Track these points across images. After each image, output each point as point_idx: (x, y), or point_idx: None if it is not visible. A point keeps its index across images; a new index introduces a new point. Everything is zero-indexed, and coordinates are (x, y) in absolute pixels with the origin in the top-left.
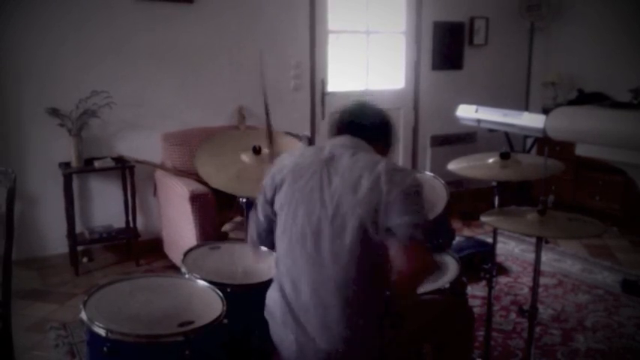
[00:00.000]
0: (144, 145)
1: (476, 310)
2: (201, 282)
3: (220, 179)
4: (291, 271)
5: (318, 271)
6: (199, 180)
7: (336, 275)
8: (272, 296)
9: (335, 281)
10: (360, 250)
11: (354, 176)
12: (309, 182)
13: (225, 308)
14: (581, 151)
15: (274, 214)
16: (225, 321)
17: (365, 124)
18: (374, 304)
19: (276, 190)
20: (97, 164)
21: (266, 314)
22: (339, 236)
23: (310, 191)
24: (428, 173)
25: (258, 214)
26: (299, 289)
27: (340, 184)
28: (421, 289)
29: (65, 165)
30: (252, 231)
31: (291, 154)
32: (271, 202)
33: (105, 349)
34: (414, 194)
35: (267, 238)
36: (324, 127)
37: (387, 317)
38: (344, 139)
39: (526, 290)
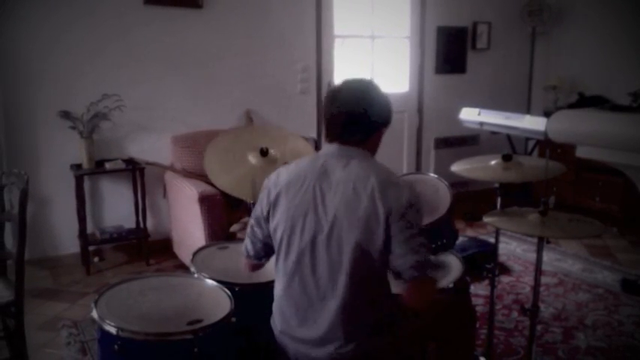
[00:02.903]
0: (154, 148)
1: (479, 308)
2: (210, 281)
3: (228, 181)
4: (288, 288)
5: (315, 288)
6: (208, 181)
7: (332, 291)
8: (274, 308)
9: (332, 297)
10: (357, 267)
11: (347, 192)
12: (303, 200)
13: (233, 307)
14: (581, 153)
15: (269, 230)
16: (234, 319)
17: (360, 119)
18: (371, 315)
19: (270, 207)
20: (107, 166)
21: (271, 322)
22: (335, 255)
23: (305, 209)
24: (432, 175)
25: (254, 228)
26: (296, 305)
27: (333, 201)
28: None
29: (77, 167)
30: (249, 245)
31: (287, 168)
32: (267, 218)
33: (115, 346)
34: (413, 220)
35: (264, 251)
36: None
37: (390, 321)
38: (335, 149)
39: (528, 289)
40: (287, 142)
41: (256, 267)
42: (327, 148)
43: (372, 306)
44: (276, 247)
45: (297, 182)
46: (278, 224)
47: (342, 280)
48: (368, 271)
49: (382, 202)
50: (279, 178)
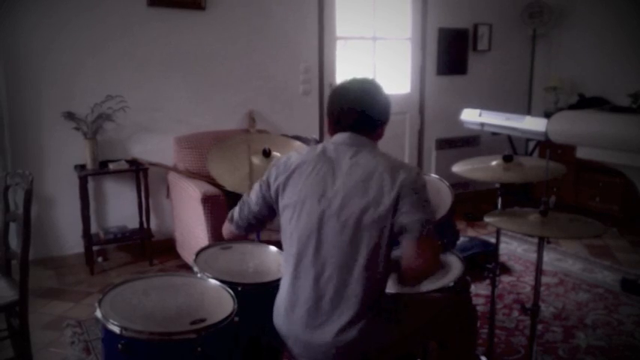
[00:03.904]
0: (157, 148)
1: (480, 308)
2: (213, 281)
3: (232, 181)
4: (294, 272)
5: (320, 269)
6: (211, 182)
7: (337, 272)
8: (279, 293)
9: (336, 277)
10: (364, 248)
11: (356, 178)
12: (312, 183)
13: (236, 306)
14: (581, 153)
15: (271, 210)
16: (237, 319)
17: (367, 115)
18: (375, 299)
19: (278, 189)
20: (111, 166)
21: (274, 310)
22: (340, 236)
23: (314, 192)
24: (433, 175)
25: (251, 200)
26: (301, 290)
27: (343, 185)
28: (426, 288)
29: (81, 167)
30: (236, 210)
31: (299, 153)
32: (270, 198)
33: (119, 345)
34: (422, 190)
35: (247, 221)
36: None
37: (391, 310)
38: (346, 137)
39: (528, 289)
40: (288, 145)
41: (231, 234)
42: (339, 136)
43: (373, 289)
44: (283, 228)
45: (308, 166)
46: (286, 206)
47: (345, 261)
48: (372, 253)
49: (392, 185)
50: (290, 160)
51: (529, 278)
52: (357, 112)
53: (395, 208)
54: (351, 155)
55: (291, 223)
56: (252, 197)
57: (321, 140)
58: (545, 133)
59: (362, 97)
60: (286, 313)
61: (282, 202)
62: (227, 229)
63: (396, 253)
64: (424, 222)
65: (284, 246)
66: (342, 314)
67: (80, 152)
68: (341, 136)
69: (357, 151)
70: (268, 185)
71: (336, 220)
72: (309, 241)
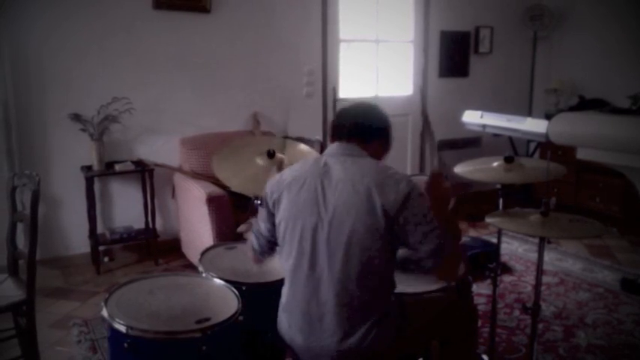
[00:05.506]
0: (162, 150)
1: (481, 307)
2: (218, 280)
3: (237, 182)
4: (292, 284)
5: (317, 281)
6: (216, 183)
7: (331, 284)
8: (282, 301)
9: (331, 290)
10: (355, 260)
11: (347, 189)
12: (305, 197)
13: (240, 306)
14: (582, 154)
15: (274, 226)
16: (241, 318)
17: (362, 124)
18: (371, 309)
19: (274, 204)
20: (117, 167)
21: (279, 315)
22: (334, 248)
23: (306, 206)
24: None
25: (261, 228)
26: (300, 299)
27: (334, 197)
28: (428, 288)
29: (87, 168)
30: (253, 239)
31: (291, 168)
32: (270, 215)
33: (125, 344)
34: (418, 206)
35: (267, 247)
36: None
37: (392, 316)
38: (336, 147)
39: (529, 288)
40: (292, 146)
41: (259, 261)
42: (330, 147)
43: (371, 299)
44: (280, 243)
45: (300, 181)
46: (281, 221)
47: (340, 273)
48: (367, 265)
49: (380, 197)
50: (283, 177)
51: (530, 278)
52: (351, 121)
53: (389, 227)
54: (341, 166)
55: (285, 238)
56: (262, 225)
57: (324, 142)
58: (546, 135)
59: (359, 110)
60: (288, 324)
61: (277, 218)
62: (254, 258)
63: (401, 253)
64: (432, 253)
65: (280, 260)
66: (341, 325)
67: (86, 153)
68: (333, 147)
69: (346, 160)
70: (267, 204)
71: (328, 235)
72: (304, 255)
